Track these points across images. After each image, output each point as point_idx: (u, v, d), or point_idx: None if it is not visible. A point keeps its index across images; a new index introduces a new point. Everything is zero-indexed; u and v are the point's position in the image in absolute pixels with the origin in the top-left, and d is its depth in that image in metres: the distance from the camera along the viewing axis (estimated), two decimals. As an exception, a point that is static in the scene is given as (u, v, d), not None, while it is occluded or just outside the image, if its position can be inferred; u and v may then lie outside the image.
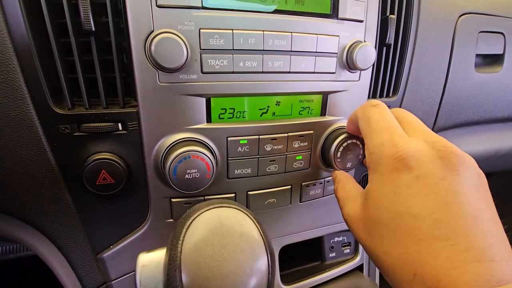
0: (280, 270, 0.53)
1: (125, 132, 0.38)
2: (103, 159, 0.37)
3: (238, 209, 0.24)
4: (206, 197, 0.42)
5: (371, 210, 0.29)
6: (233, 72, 0.37)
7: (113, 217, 0.43)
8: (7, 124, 0.35)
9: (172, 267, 0.21)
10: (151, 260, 0.23)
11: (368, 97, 0.50)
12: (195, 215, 0.23)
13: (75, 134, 0.37)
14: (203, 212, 0.23)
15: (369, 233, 0.29)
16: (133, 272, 0.45)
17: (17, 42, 0.33)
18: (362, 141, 0.46)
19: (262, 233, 0.23)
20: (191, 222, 0.23)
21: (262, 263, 0.22)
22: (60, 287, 0.46)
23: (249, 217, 0.24)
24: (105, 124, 0.37)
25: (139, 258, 0.24)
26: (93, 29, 0.33)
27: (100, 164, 0.37)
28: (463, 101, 0.71)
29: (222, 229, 0.22)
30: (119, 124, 0.38)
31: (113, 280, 0.45)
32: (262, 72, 0.39)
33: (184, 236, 0.22)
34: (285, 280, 0.53)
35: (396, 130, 0.31)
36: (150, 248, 0.43)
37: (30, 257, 1.05)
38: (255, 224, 0.24)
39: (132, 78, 0.37)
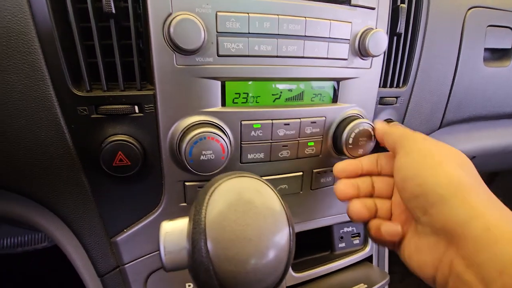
0: (291, 258, 0.53)
1: (142, 114, 0.39)
2: (120, 141, 0.38)
3: (260, 180, 0.24)
4: (219, 181, 0.43)
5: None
6: (248, 56, 0.38)
7: (127, 201, 0.43)
8: (27, 105, 0.36)
9: (196, 231, 0.21)
10: (174, 227, 0.24)
11: (379, 86, 0.51)
12: (217, 184, 0.23)
13: (92, 116, 0.38)
14: (225, 181, 0.24)
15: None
16: (146, 256, 0.46)
17: (39, 25, 0.34)
18: (373, 127, 0.46)
19: (282, 204, 0.24)
20: (213, 190, 0.23)
21: (284, 229, 0.23)
22: (72, 277, 0.47)
23: (271, 188, 0.24)
24: (122, 106, 0.38)
25: (162, 226, 0.24)
26: (113, 11, 0.34)
27: (117, 145, 0.38)
28: (472, 94, 0.71)
29: (245, 195, 0.23)
30: (136, 107, 0.39)
31: (126, 264, 0.45)
32: (277, 57, 0.39)
33: (207, 203, 0.22)
34: (295, 268, 0.53)
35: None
36: (163, 231, 0.43)
37: (37, 251, 1.06)
38: (277, 196, 0.24)
39: (148, 62, 0.37)
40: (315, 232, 0.55)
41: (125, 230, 0.44)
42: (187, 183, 0.42)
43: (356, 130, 0.44)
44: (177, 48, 0.35)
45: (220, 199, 0.22)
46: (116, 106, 0.38)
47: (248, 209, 0.22)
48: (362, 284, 0.49)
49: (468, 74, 0.67)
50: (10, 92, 0.35)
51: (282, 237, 0.22)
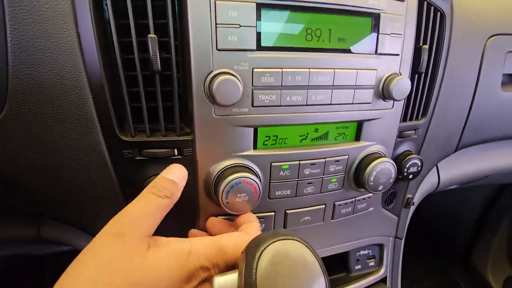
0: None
1: (180, 157, 0.42)
2: (161, 182, 0.42)
3: (301, 242, 0.28)
4: (249, 215, 0.47)
5: None
6: (280, 106, 0.41)
7: (165, 230, 0.47)
8: (80, 150, 0.40)
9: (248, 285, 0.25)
10: (226, 283, 0.27)
11: (400, 121, 0.53)
12: (264, 246, 0.27)
13: (136, 158, 0.42)
14: (271, 244, 0.27)
15: None
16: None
17: (91, 78, 0.38)
18: (394, 167, 0.49)
19: (321, 265, 0.27)
20: (261, 253, 0.26)
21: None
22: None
23: (310, 250, 0.28)
24: (164, 150, 0.41)
25: (214, 281, 0.28)
26: (160, 69, 0.37)
27: (159, 186, 0.42)
28: (488, 119, 0.72)
29: (289, 261, 0.26)
30: (175, 150, 0.42)
31: (162, 286, 0.50)
32: (306, 105, 0.42)
33: (257, 266, 0.26)
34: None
35: None
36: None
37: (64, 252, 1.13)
38: (316, 258, 0.27)
39: (185, 107, 0.40)
40: (333, 254, 0.58)
41: (161, 256, 0.48)
42: (219, 217, 0.46)
43: (378, 169, 0.47)
44: (217, 103, 0.38)
45: (268, 263, 0.26)
46: (158, 150, 0.41)
47: (292, 274, 0.26)
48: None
49: (486, 100, 0.69)
50: (66, 139, 0.39)
51: None
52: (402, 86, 0.44)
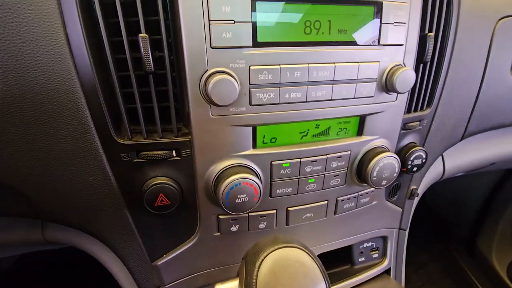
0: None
1: (179, 158, 0.42)
2: (161, 183, 0.41)
3: (301, 249, 0.27)
4: (250, 214, 0.46)
5: None
6: (279, 104, 0.40)
7: (166, 231, 0.47)
8: (77, 154, 0.39)
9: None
10: (227, 291, 0.27)
11: (404, 113, 0.51)
12: (263, 255, 0.26)
13: (134, 160, 0.41)
14: (271, 252, 0.27)
15: None
16: (185, 278, 0.51)
17: (84, 81, 0.36)
18: (398, 161, 0.48)
19: (322, 271, 0.27)
20: (261, 262, 0.26)
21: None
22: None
23: (310, 256, 0.27)
24: (162, 152, 0.41)
25: (215, 289, 0.28)
26: (153, 69, 0.36)
27: (159, 188, 0.41)
28: (497, 105, 0.70)
29: (290, 268, 0.26)
30: (174, 152, 0.41)
31: (167, 285, 0.50)
32: (306, 102, 0.41)
33: (257, 276, 0.25)
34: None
35: None
36: (199, 257, 0.47)
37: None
38: (316, 263, 0.27)
39: (183, 107, 0.39)
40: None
41: (164, 255, 0.49)
42: (221, 217, 0.46)
43: (381, 164, 0.46)
44: (213, 103, 0.37)
45: (268, 272, 0.25)
46: (156, 152, 0.41)
47: (292, 281, 0.25)
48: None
49: (494, 85, 0.66)
50: (62, 145, 0.38)
51: None
52: (406, 78, 0.42)
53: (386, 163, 0.46)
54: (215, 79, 0.35)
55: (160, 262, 0.49)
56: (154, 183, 0.41)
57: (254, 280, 0.25)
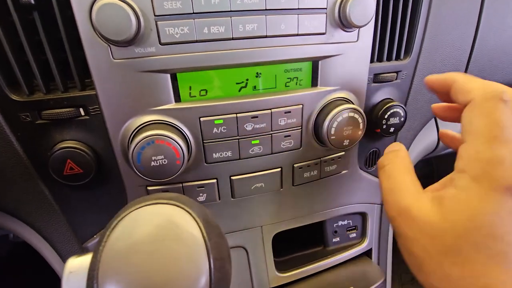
0: (276, 257, 0.49)
1: (88, 117, 0.35)
2: (67, 148, 0.35)
3: (178, 206, 0.20)
4: (184, 184, 0.39)
5: (455, 222, 0.24)
6: (196, 41, 0.32)
7: (92, 207, 0.41)
8: (-33, 116, 0.33)
9: (90, 277, 0.18)
10: (80, 266, 0.20)
11: (371, 61, 0.43)
12: (123, 214, 0.19)
13: (37, 122, 0.35)
14: (133, 211, 0.19)
15: (441, 245, 0.24)
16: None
17: None
18: (362, 115, 0.39)
19: (205, 236, 0.19)
20: (117, 223, 0.19)
21: (202, 271, 0.18)
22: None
23: (191, 215, 0.20)
24: (66, 110, 0.34)
25: (67, 264, 0.21)
26: (33, 1, 0.29)
27: (65, 153, 0.35)
28: (498, 59, 0.59)
29: (154, 231, 0.19)
30: (81, 109, 0.35)
31: (101, 269, 0.44)
32: (233, 39, 0.33)
33: (105, 242, 0.18)
34: (281, 267, 0.49)
35: None
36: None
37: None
38: (198, 224, 0.19)
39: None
40: (307, 226, 0.50)
41: (95, 236, 0.43)
42: (149, 188, 0.39)
43: (339, 119, 0.38)
44: (108, 40, 0.30)
45: (122, 236, 0.18)
46: (59, 110, 0.34)
47: (156, 249, 0.18)
48: (351, 288, 0.45)
49: (494, 34, 0.56)
50: None
51: (199, 275, 0.18)
52: (363, 4, 0.34)
53: (346, 118, 0.38)
54: (100, 4, 0.27)
55: (91, 243, 0.43)
56: (59, 147, 0.35)
57: (101, 248, 0.18)
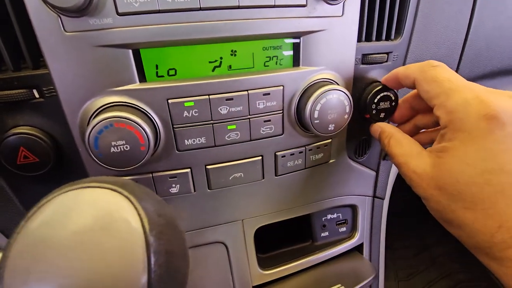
0: (260, 253, 0.46)
1: (42, 100, 0.32)
2: (19, 134, 0.31)
3: (113, 190, 0.16)
4: (154, 174, 0.36)
5: (450, 167, 0.29)
6: (159, 11, 0.29)
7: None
8: None
9: (-3, 277, 0.14)
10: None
11: (359, 40, 0.39)
12: (45, 200, 0.16)
13: (-14, 105, 0.31)
14: (56, 196, 0.16)
15: (442, 189, 0.29)
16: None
17: None
18: (348, 97, 0.36)
19: (146, 226, 0.16)
20: (35, 211, 0.15)
21: (137, 267, 0.15)
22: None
23: (131, 201, 0.16)
24: (16, 91, 0.31)
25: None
26: None
27: (17, 139, 0.31)
28: (496, 42, 0.56)
29: (78, 220, 0.15)
30: (35, 91, 0.31)
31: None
32: (200, 9, 0.29)
33: (18, 233, 0.15)
34: (265, 264, 0.46)
35: (476, 86, 0.30)
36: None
37: None
38: (138, 212, 0.16)
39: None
40: (294, 220, 0.47)
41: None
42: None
43: (323, 100, 0.34)
44: (55, 8, 0.26)
45: (38, 227, 0.15)
46: (9, 92, 0.30)
47: (78, 241, 0.15)
48: (339, 285, 0.42)
49: (492, 15, 0.53)
50: None
51: (133, 272, 0.15)
52: (346, -29, 0.30)
53: (331, 99, 0.35)
54: (39, -36, 0.24)
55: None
56: (10, 133, 0.31)
57: (13, 240, 0.15)
